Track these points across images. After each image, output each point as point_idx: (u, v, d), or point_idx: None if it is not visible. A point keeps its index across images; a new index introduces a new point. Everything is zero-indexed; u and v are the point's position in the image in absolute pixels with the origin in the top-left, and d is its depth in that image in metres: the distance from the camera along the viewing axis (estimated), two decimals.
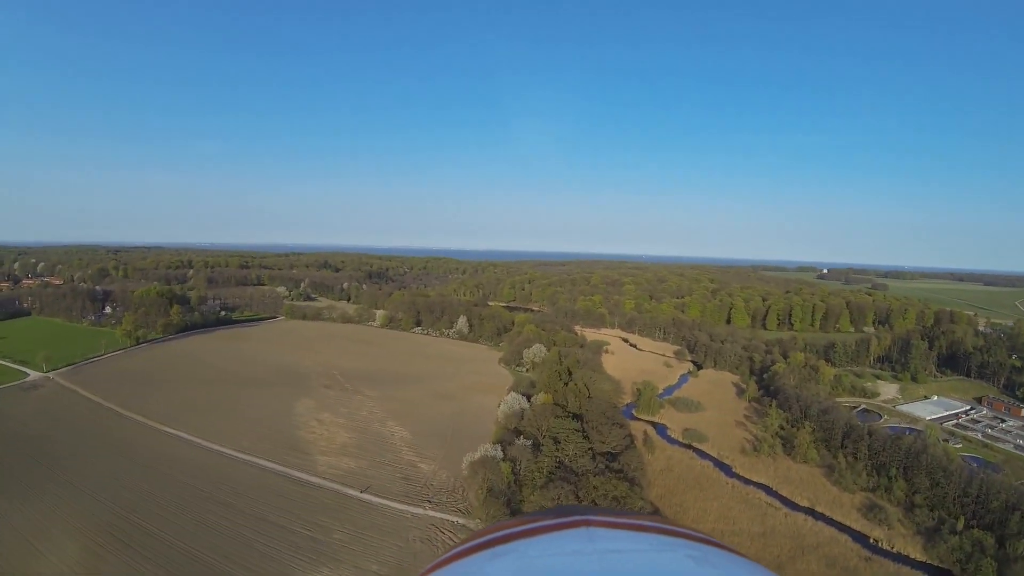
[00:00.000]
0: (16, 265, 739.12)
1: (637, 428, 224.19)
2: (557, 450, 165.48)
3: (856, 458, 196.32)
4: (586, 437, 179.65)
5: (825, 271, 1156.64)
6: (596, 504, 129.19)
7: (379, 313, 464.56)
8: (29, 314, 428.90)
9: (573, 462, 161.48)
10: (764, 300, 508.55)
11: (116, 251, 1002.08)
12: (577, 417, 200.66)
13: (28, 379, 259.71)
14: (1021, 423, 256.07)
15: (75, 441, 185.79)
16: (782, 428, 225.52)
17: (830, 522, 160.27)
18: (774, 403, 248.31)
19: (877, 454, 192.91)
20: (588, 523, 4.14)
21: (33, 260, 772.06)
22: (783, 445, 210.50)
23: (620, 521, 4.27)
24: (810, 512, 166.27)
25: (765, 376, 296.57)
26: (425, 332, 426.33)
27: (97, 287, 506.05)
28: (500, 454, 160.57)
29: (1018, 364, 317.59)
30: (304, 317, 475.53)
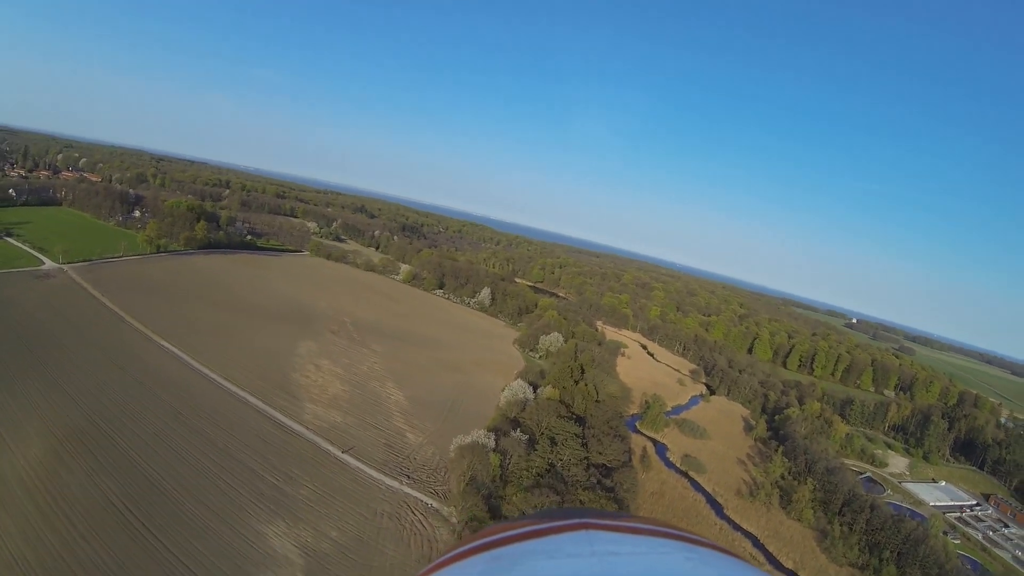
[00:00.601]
0: (60, 156, 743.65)
1: (638, 443, 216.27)
2: (552, 452, 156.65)
3: (852, 529, 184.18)
4: (584, 445, 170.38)
5: (854, 320, 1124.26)
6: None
7: (404, 268, 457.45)
8: (60, 204, 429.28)
9: (566, 469, 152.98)
10: (790, 337, 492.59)
11: (159, 159, 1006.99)
12: (580, 420, 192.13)
13: (43, 268, 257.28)
14: None
15: (72, 339, 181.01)
16: (783, 478, 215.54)
17: None
18: (780, 449, 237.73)
19: (875, 531, 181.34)
20: (588, 526, 4.11)
21: (76, 154, 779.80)
22: (781, 496, 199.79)
23: (620, 524, 4.25)
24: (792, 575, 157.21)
25: (777, 418, 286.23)
26: (446, 296, 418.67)
27: (131, 190, 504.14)
28: (492, 443, 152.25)
29: None
30: (329, 257, 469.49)
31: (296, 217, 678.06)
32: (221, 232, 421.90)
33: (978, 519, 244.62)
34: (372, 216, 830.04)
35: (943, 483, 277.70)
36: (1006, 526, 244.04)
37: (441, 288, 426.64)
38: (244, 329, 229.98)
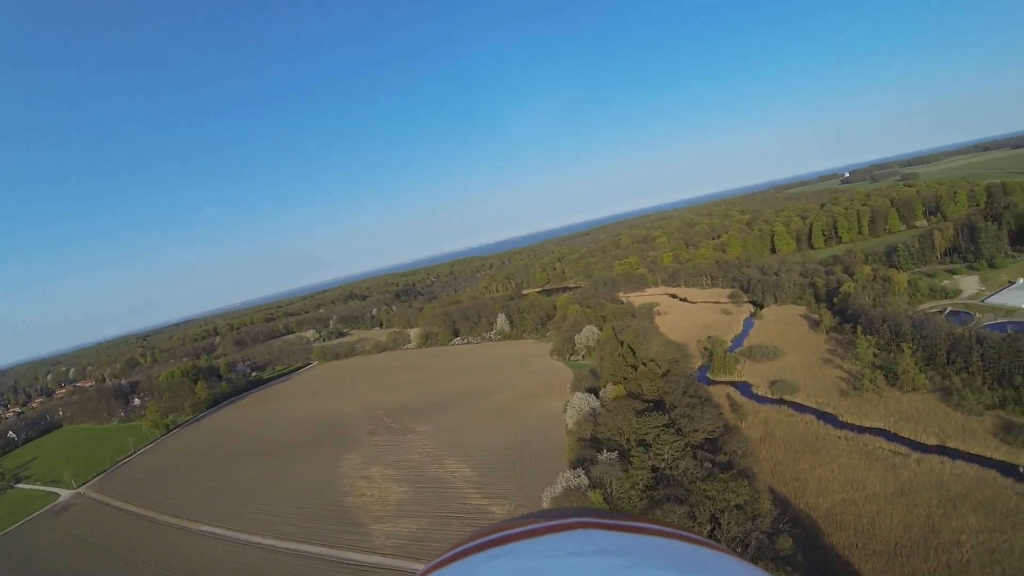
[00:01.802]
0: (49, 377, 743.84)
1: (717, 393, 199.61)
2: (649, 456, 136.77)
3: (970, 373, 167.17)
4: (678, 430, 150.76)
5: (847, 174, 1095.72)
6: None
7: (413, 333, 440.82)
8: (60, 426, 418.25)
9: (672, 467, 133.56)
10: (804, 219, 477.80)
11: (145, 337, 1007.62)
12: (658, 405, 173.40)
13: (59, 500, 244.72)
14: None
15: (109, 567, 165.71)
16: (875, 356, 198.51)
17: (968, 458, 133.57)
18: (859, 329, 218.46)
19: (992, 362, 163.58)
20: (585, 525, 4.02)
21: (64, 368, 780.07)
22: (885, 376, 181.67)
23: (616, 523, 4.13)
24: (941, 450, 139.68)
25: (835, 300, 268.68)
26: (465, 341, 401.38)
27: (123, 381, 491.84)
28: (585, 479, 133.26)
29: None
30: (337, 357, 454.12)
31: (292, 332, 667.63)
32: (223, 383, 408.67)
33: None
34: (364, 298, 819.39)
35: (1021, 280, 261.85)
36: None
37: (456, 335, 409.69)
38: (279, 472, 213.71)
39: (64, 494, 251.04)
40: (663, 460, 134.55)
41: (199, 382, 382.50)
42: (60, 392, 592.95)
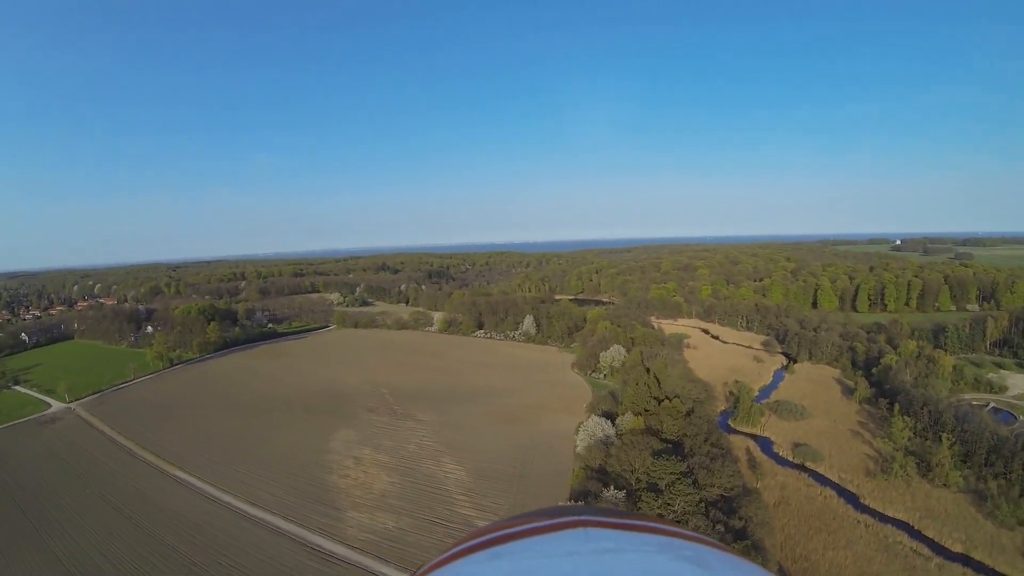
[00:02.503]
0: (75, 288, 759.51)
1: (737, 444, 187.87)
2: (659, 504, 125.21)
3: (1009, 480, 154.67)
4: (694, 481, 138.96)
5: (898, 242, 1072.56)
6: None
7: (437, 317, 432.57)
8: (72, 338, 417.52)
9: (682, 522, 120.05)
10: (851, 279, 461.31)
11: (176, 267, 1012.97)
12: (677, 447, 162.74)
13: (49, 411, 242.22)
14: None
15: (75, 492, 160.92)
16: (910, 440, 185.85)
17: (991, 574, 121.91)
18: (897, 408, 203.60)
19: None
20: (584, 523, 4.08)
21: (91, 282, 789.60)
22: (916, 464, 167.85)
23: (616, 521, 4.21)
24: (966, 560, 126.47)
25: (875, 370, 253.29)
26: (488, 335, 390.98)
27: (141, 306, 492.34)
28: None
29: None
30: (356, 325, 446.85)
31: (318, 292, 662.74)
32: (236, 328, 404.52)
33: None
34: (396, 271, 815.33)
35: None
36: None
37: (481, 328, 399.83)
38: (268, 432, 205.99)
39: (55, 406, 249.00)
40: (673, 512, 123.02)
41: (212, 323, 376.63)
42: (81, 304, 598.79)
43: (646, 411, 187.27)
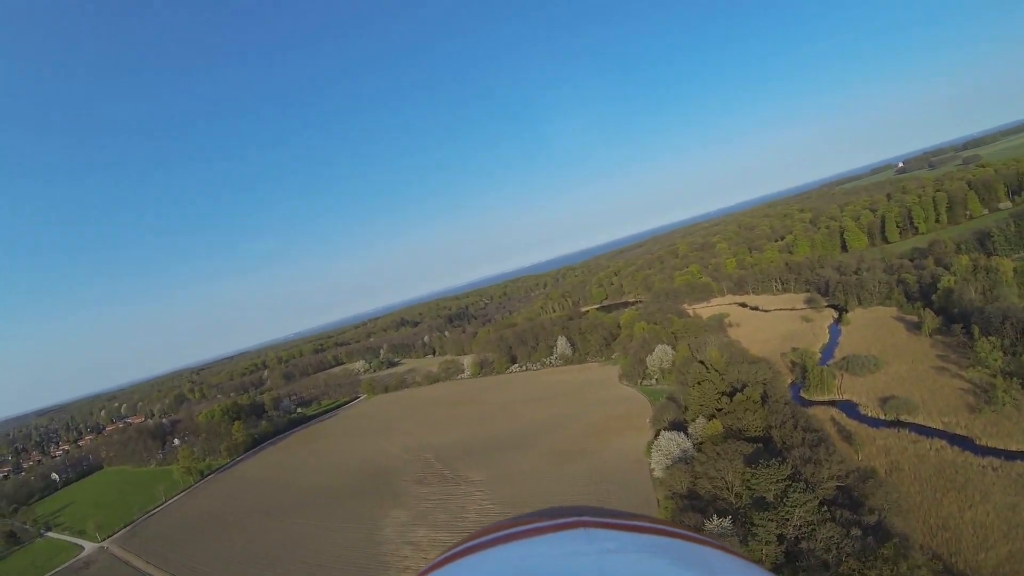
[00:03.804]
0: (103, 413, 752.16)
1: (819, 416, 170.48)
2: (775, 522, 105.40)
3: None
4: (804, 481, 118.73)
5: (901, 164, 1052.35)
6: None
7: (467, 361, 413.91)
8: (102, 467, 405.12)
9: (807, 537, 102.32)
10: (873, 211, 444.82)
11: (199, 371, 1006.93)
12: (766, 444, 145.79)
13: (82, 555, 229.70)
14: None
15: None
16: (1003, 361, 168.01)
17: None
18: (976, 330, 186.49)
19: None
20: (585, 524, 4.09)
21: (117, 404, 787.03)
22: (1022, 384, 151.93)
23: (617, 522, 4.22)
24: None
25: (934, 298, 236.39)
26: (523, 368, 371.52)
27: (164, 419, 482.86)
28: None
29: None
30: (386, 390, 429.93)
31: (343, 363, 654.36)
32: (263, 422, 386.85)
33: None
34: (415, 324, 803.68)
35: None
36: None
37: (514, 362, 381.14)
38: (312, 532, 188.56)
39: (88, 547, 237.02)
40: (792, 526, 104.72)
41: (236, 422, 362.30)
42: (111, 428, 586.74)
43: (718, 410, 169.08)
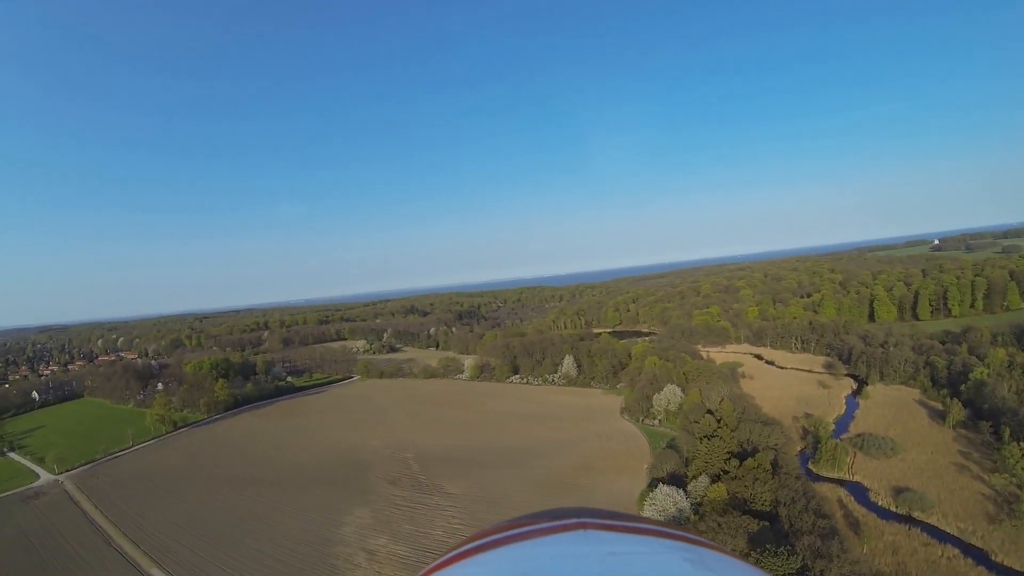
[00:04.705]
0: (100, 342, 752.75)
1: (825, 493, 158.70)
2: None
3: None
4: None
5: (936, 241, 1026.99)
6: None
7: (468, 363, 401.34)
8: (82, 396, 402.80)
9: None
10: (907, 285, 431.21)
11: (202, 318, 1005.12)
12: (773, 522, 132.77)
13: (35, 484, 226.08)
14: None
15: None
16: None
17: None
18: (1007, 432, 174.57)
19: None
20: (585, 526, 4.14)
21: (115, 336, 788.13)
22: None
23: (617, 524, 4.27)
24: None
25: (963, 388, 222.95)
26: (524, 380, 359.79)
27: (153, 361, 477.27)
28: None
29: None
30: (381, 375, 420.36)
31: (344, 339, 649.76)
32: (249, 384, 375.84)
33: None
34: (424, 314, 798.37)
35: None
36: None
37: (516, 372, 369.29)
38: (271, 514, 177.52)
39: (43, 477, 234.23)
40: None
41: (220, 380, 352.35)
42: (103, 359, 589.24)
43: (724, 472, 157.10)
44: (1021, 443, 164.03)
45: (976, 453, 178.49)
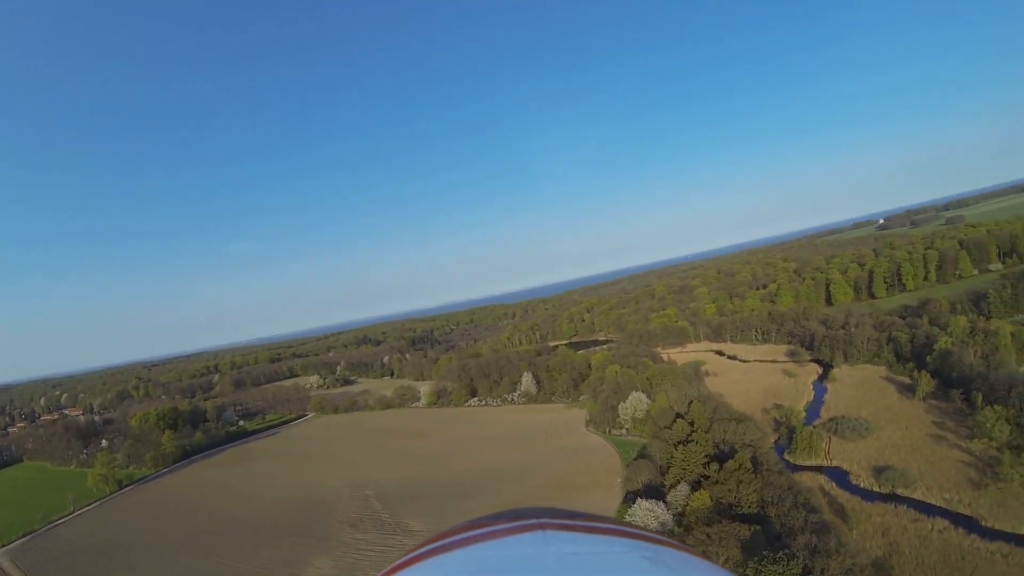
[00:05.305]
0: (42, 400, 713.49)
1: (805, 483, 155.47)
2: None
3: None
4: None
5: (882, 221, 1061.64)
6: None
7: (423, 389, 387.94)
8: (22, 460, 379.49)
9: None
10: (861, 265, 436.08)
11: (150, 366, 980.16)
12: (763, 525, 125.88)
13: None
14: None
15: None
16: (1010, 433, 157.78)
17: None
18: (979, 397, 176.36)
19: None
20: (544, 526, 4.16)
21: (58, 392, 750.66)
22: None
23: (576, 524, 4.29)
24: None
25: (929, 359, 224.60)
26: (483, 402, 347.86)
27: (97, 417, 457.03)
28: None
29: None
30: (336, 410, 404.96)
31: (297, 375, 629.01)
32: (199, 432, 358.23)
33: None
34: (378, 343, 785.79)
35: None
36: None
37: (474, 395, 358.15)
38: (224, 573, 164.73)
39: None
40: None
41: (168, 431, 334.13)
42: (46, 418, 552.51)
43: (704, 477, 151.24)
44: (995, 406, 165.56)
45: (950, 422, 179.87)
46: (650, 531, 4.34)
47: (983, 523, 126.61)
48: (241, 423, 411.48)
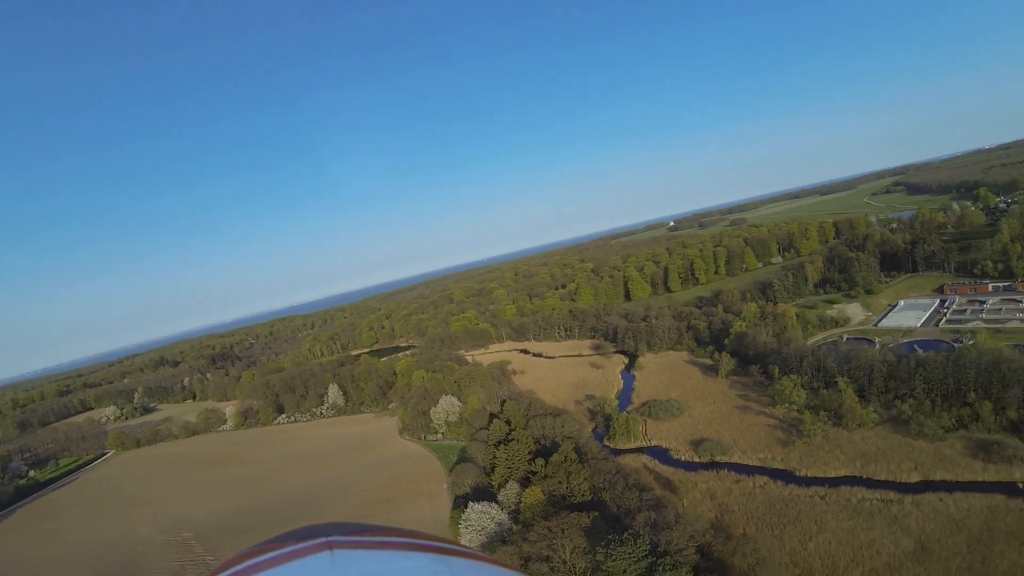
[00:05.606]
0: None
1: (630, 464, 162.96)
2: None
3: (915, 398, 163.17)
4: (663, 553, 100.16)
5: (672, 223, 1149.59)
6: None
7: (229, 411, 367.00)
8: None
9: None
10: (656, 263, 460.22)
11: None
12: (601, 510, 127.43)
13: None
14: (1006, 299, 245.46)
15: None
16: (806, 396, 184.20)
17: (961, 487, 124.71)
18: (776, 370, 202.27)
19: (936, 384, 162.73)
20: (332, 545, 3.94)
21: None
22: (829, 416, 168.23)
23: (367, 540, 4.13)
24: (927, 486, 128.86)
25: (726, 341, 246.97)
26: (291, 419, 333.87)
27: None
28: None
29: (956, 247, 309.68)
30: (138, 444, 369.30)
31: (91, 408, 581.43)
32: None
33: (961, 311, 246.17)
34: (176, 363, 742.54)
35: (902, 303, 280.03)
36: (982, 303, 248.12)
37: (282, 412, 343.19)
38: None
39: None
40: None
41: None
42: None
43: (532, 474, 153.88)
44: (791, 375, 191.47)
45: (753, 394, 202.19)
46: (446, 540, 4.24)
47: (797, 473, 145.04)
48: (32, 474, 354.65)
